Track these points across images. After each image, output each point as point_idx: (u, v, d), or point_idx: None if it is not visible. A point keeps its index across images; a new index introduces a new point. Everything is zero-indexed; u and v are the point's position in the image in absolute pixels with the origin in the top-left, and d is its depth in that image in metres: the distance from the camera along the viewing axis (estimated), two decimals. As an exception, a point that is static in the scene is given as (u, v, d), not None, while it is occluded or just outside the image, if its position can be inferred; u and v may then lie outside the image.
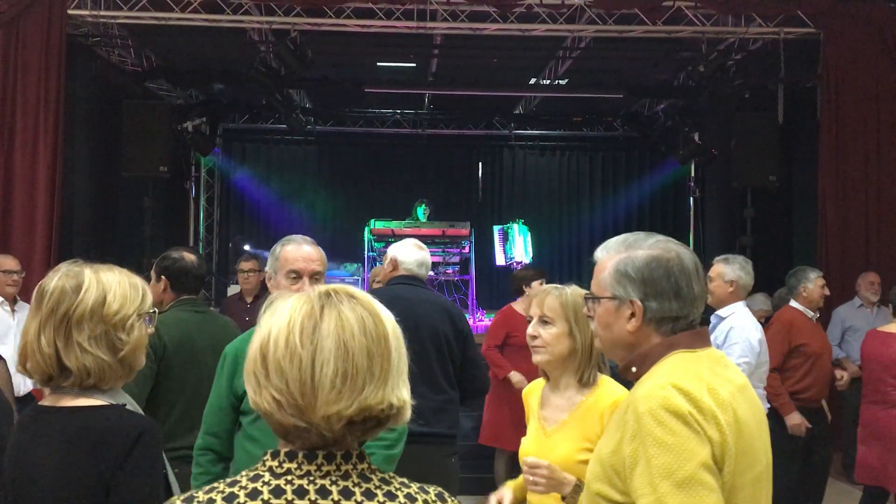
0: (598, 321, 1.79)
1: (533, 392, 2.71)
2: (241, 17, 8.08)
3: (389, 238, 10.23)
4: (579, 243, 13.61)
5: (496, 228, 10.55)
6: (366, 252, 10.23)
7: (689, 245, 12.11)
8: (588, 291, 1.85)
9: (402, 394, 1.28)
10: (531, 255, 10.51)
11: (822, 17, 8.21)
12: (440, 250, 10.34)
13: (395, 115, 12.66)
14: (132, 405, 1.90)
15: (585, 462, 2.32)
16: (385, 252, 9.99)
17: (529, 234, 10.53)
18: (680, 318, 1.72)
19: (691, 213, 11.94)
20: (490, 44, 9.09)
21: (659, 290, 1.70)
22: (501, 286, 11.46)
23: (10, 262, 5.70)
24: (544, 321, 2.54)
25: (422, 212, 10.80)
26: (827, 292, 5.40)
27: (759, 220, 9.02)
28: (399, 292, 3.77)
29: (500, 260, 10.67)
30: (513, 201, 13.51)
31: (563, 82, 10.82)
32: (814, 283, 5.41)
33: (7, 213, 7.62)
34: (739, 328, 4.28)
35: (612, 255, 1.77)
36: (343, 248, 12.20)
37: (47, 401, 1.87)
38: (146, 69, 9.77)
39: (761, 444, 1.66)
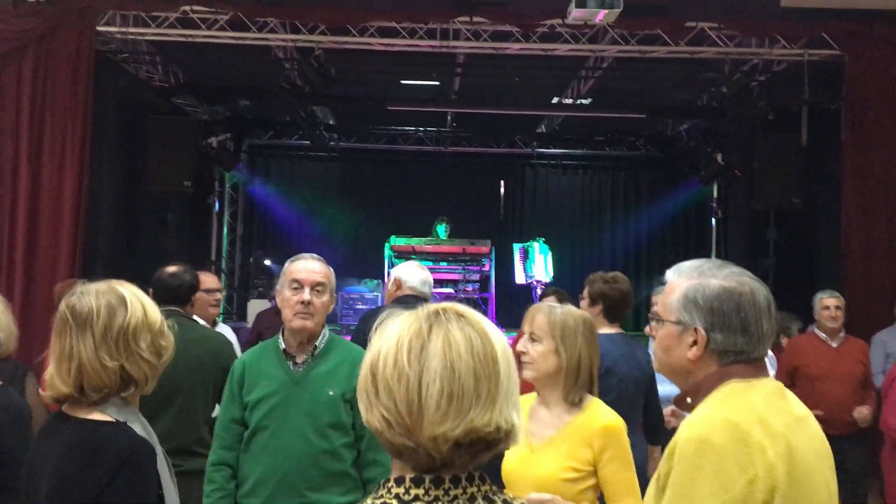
0: (659, 343, 1.76)
1: (521, 406, 2.73)
2: (267, 35, 8.18)
3: (410, 255, 10.30)
4: (600, 263, 13.49)
5: (516, 247, 10.55)
6: (386, 268, 10.26)
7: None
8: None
9: (511, 416, 1.27)
10: (552, 273, 10.49)
11: (847, 39, 8.16)
12: (460, 268, 10.36)
13: (418, 132, 12.73)
14: (142, 424, 1.93)
15: (569, 481, 2.38)
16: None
17: (550, 253, 10.51)
18: (743, 353, 1.68)
19: (713, 234, 11.87)
20: (512, 63, 9.13)
21: (726, 324, 1.66)
22: (521, 305, 11.36)
23: (211, 281, 4.94)
24: (533, 338, 2.58)
25: (442, 229, 10.82)
26: (832, 314, 5.35)
27: (782, 243, 8.96)
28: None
29: (520, 278, 10.66)
30: (534, 220, 13.52)
31: (585, 102, 10.83)
32: (818, 303, 5.40)
33: (33, 226, 7.72)
34: None
35: (683, 279, 1.72)
36: (364, 264, 12.27)
37: (66, 408, 1.91)
38: (173, 85, 9.91)
39: (821, 478, 1.62)
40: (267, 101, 10.37)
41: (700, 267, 1.73)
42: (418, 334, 1.24)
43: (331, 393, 2.90)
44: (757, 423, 1.54)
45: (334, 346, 3.03)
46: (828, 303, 5.38)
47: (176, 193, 8.48)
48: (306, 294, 2.92)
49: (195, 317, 4.05)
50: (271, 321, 6.63)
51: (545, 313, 2.59)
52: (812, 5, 8.00)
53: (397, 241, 10.21)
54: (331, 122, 12.79)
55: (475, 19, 8.09)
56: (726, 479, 1.49)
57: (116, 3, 7.91)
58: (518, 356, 2.61)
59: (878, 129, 8.05)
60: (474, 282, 10.37)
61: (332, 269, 3.10)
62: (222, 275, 11.62)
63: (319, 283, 2.97)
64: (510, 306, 11.87)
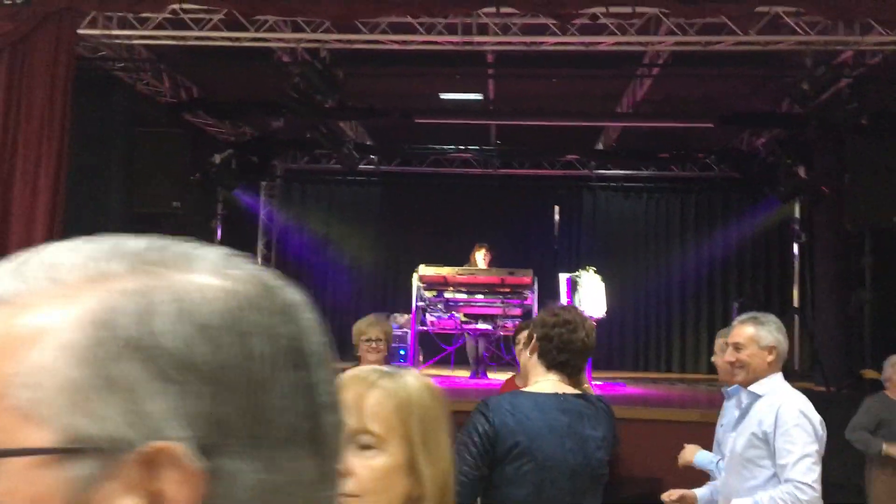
0: None
1: None
2: (266, 35, 7.21)
3: (441, 285, 9.11)
4: (668, 299, 12.13)
5: (563, 277, 9.20)
6: (414, 301, 9.06)
7: (793, 301, 10.38)
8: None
9: None
10: (605, 308, 9.11)
11: (960, 21, 6.68)
12: (499, 300, 9.11)
13: (460, 152, 11.56)
14: None
15: None
16: (436, 301, 8.88)
17: (603, 285, 9.14)
18: None
19: (796, 262, 10.28)
20: (552, 62, 7.90)
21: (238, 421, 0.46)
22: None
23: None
24: (364, 443, 1.26)
25: (481, 257, 9.61)
26: None
27: (880, 270, 7.47)
28: None
29: (567, 313, 9.29)
30: (593, 249, 12.19)
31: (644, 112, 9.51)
32: None
33: (2, 252, 6.87)
34: (793, 406, 2.91)
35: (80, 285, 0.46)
36: (397, 297, 11.15)
37: None
38: (183, 100, 9.05)
39: None
40: (281, 116, 9.44)
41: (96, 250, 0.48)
42: None
43: None
44: None
45: None
46: None
47: (165, 215, 7.51)
48: None
49: None
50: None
51: (388, 389, 1.29)
52: (914, -19, 6.55)
53: (426, 271, 9.02)
54: (368, 143, 11.83)
55: (503, 10, 6.92)
56: None
57: (98, 2, 7.06)
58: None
59: None
60: (515, 317, 9.09)
61: None
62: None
63: None
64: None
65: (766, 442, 2.87)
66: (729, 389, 3.75)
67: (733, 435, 3.09)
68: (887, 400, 4.98)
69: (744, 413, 3.05)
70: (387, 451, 1.26)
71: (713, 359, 3.89)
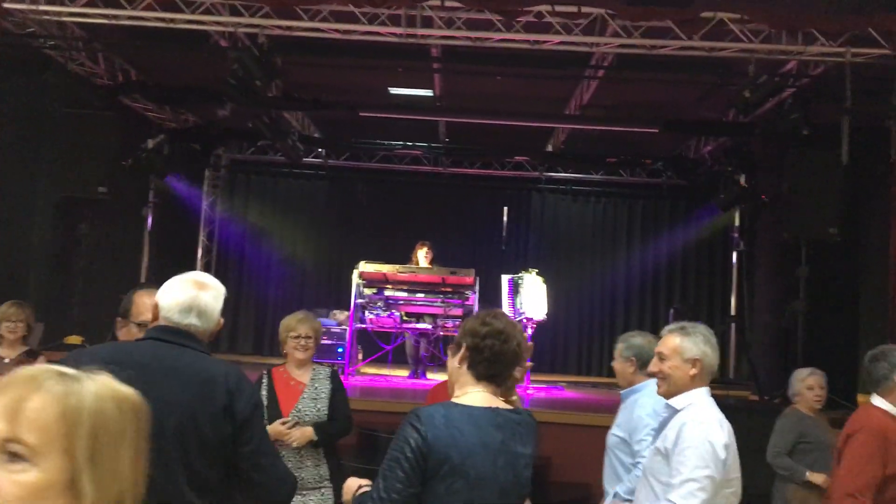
0: None
1: None
2: (201, 17, 6.97)
3: (382, 283, 8.94)
4: (612, 303, 12.14)
5: (505, 278, 9.09)
6: (353, 298, 8.88)
7: (730, 310, 10.29)
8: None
9: None
10: (546, 311, 9.02)
11: (899, 35, 6.73)
12: (440, 300, 8.97)
13: (409, 148, 11.42)
14: None
15: None
16: (376, 299, 8.72)
17: (545, 287, 9.05)
18: None
19: (734, 270, 10.31)
20: (498, 61, 7.79)
21: None
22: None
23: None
24: (14, 453, 1.05)
25: (423, 255, 9.46)
26: None
27: (816, 281, 7.47)
28: (137, 355, 2.37)
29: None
30: (540, 251, 12.15)
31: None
32: None
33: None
34: (696, 425, 2.75)
35: None
36: (338, 293, 10.97)
37: None
38: (120, 83, 8.76)
39: None
40: (235, 107, 9.19)
41: None
42: None
43: None
44: None
45: None
46: None
47: (90, 201, 7.22)
48: None
49: None
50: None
51: (52, 395, 1.08)
52: (856, -7, 6.57)
53: (367, 268, 8.84)
54: (317, 136, 11.63)
55: (448, 4, 6.80)
56: None
57: (26, -25, 6.79)
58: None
59: (937, 144, 6.58)
60: (456, 317, 8.96)
61: None
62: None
63: None
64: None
65: (666, 458, 2.74)
66: (623, 392, 3.72)
67: (652, 447, 2.99)
68: (799, 414, 4.90)
69: (661, 426, 2.93)
70: (41, 465, 1.06)
71: (613, 363, 3.82)
